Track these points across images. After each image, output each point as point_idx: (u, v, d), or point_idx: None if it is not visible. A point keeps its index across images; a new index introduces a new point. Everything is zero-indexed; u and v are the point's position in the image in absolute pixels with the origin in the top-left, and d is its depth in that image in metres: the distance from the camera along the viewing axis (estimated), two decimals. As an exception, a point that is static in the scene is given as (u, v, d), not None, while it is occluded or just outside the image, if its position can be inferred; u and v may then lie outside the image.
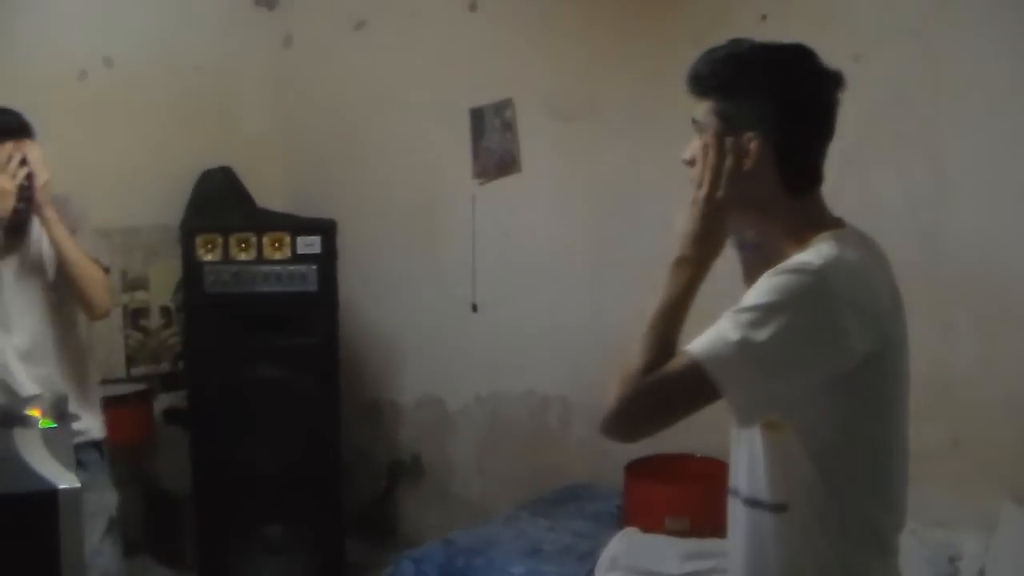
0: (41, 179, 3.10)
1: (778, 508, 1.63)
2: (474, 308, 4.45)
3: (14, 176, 3.05)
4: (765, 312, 1.51)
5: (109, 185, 4.14)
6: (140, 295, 4.54)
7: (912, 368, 3.44)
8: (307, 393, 4.21)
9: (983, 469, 3.25)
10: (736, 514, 1.74)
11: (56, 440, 2.32)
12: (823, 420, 1.59)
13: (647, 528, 3.31)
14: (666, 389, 1.55)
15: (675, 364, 1.54)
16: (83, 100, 4.25)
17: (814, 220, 1.67)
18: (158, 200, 4.52)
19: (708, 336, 1.53)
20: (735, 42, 1.71)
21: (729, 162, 1.63)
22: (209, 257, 4.16)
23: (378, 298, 4.78)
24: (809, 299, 1.52)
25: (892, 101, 3.42)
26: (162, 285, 4.60)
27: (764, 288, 1.54)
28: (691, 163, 1.69)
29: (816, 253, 1.57)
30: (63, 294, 3.23)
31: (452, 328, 4.54)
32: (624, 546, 3.30)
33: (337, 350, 4.34)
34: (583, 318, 4.07)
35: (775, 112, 1.64)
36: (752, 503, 1.68)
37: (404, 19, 4.64)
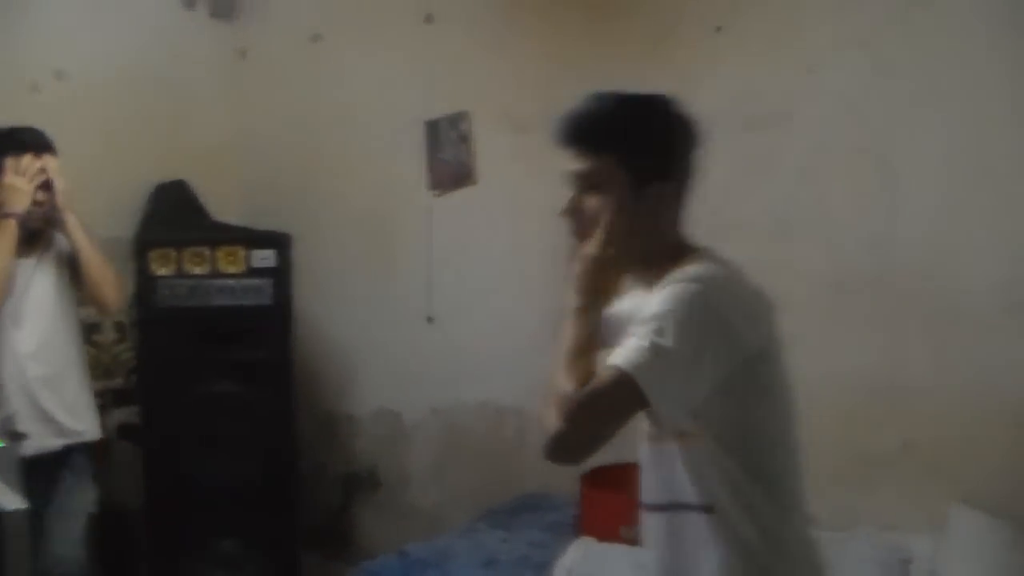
0: (60, 186, 3.46)
1: (705, 510, 1.71)
2: (430, 320, 4.46)
3: (32, 179, 3.41)
4: (664, 319, 1.61)
5: (61, 198, 4.10)
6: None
7: (863, 374, 3.50)
8: (262, 407, 4.19)
9: (933, 472, 3.30)
10: (657, 526, 1.83)
11: (3, 461, 2.31)
12: (729, 419, 1.69)
13: (603, 538, 3.32)
14: (602, 402, 1.62)
15: (604, 379, 1.62)
16: (35, 113, 4.18)
17: (683, 250, 1.79)
18: (111, 214, 4.46)
19: (626, 350, 1.62)
20: (594, 100, 1.85)
21: (620, 220, 1.75)
22: (163, 271, 4.14)
23: (333, 311, 4.76)
24: (698, 301, 1.63)
25: (844, 111, 3.48)
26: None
27: (659, 299, 1.65)
28: (570, 215, 1.83)
29: (695, 267, 1.70)
30: (72, 299, 3.59)
31: (408, 340, 4.53)
32: (580, 556, 3.30)
33: (292, 364, 4.33)
34: (539, 329, 4.07)
35: (659, 164, 1.78)
36: (675, 509, 1.76)
37: (360, 32, 4.64)
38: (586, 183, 1.79)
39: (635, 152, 1.76)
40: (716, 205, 3.67)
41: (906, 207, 3.36)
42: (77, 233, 3.49)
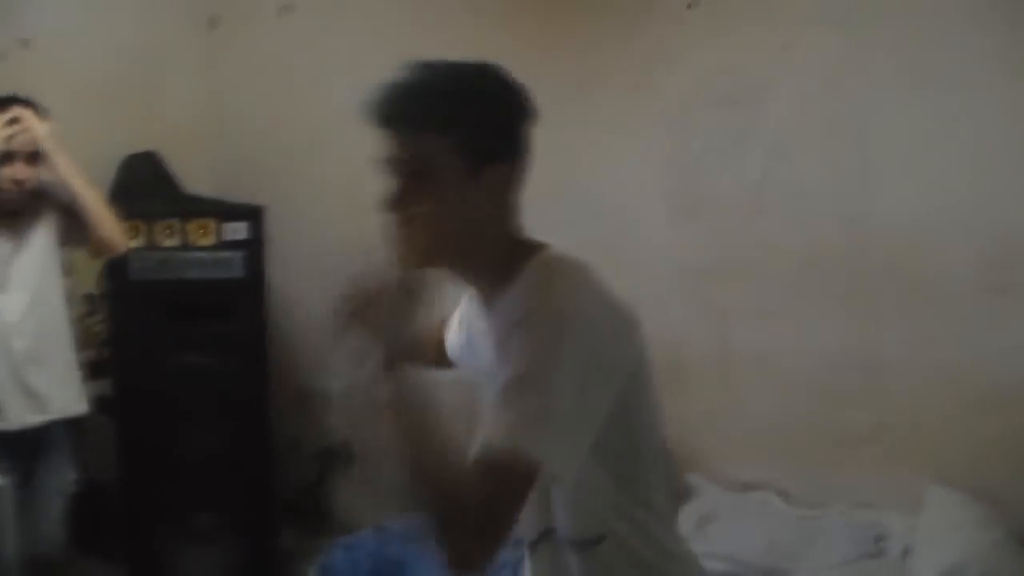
0: (40, 131, 3.28)
1: (595, 541, 1.57)
2: (403, 294, 4.42)
3: (5, 125, 3.23)
4: (536, 374, 1.39)
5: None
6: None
7: (838, 353, 3.50)
8: (236, 380, 4.17)
9: (908, 451, 3.33)
10: (539, 563, 1.68)
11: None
12: (615, 444, 1.51)
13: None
14: (503, 498, 1.38)
15: (495, 469, 1.37)
16: (0, 82, 4.14)
17: (523, 246, 1.57)
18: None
19: (505, 424, 1.39)
20: (416, 71, 1.60)
21: (453, 211, 1.51)
22: (133, 244, 4.09)
23: (307, 284, 4.72)
24: (567, 339, 1.41)
25: (819, 89, 3.48)
26: (86, 272, 4.48)
27: (523, 343, 1.42)
28: (394, 208, 1.55)
29: (547, 285, 1.48)
30: (59, 270, 3.47)
31: (381, 314, 4.50)
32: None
33: (265, 337, 4.31)
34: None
35: (496, 143, 1.55)
36: (558, 541, 1.61)
37: (331, 3, 4.59)
38: (411, 169, 1.51)
39: (470, 130, 1.51)
40: (690, 181, 3.70)
41: (882, 185, 3.37)
42: (70, 175, 3.31)
